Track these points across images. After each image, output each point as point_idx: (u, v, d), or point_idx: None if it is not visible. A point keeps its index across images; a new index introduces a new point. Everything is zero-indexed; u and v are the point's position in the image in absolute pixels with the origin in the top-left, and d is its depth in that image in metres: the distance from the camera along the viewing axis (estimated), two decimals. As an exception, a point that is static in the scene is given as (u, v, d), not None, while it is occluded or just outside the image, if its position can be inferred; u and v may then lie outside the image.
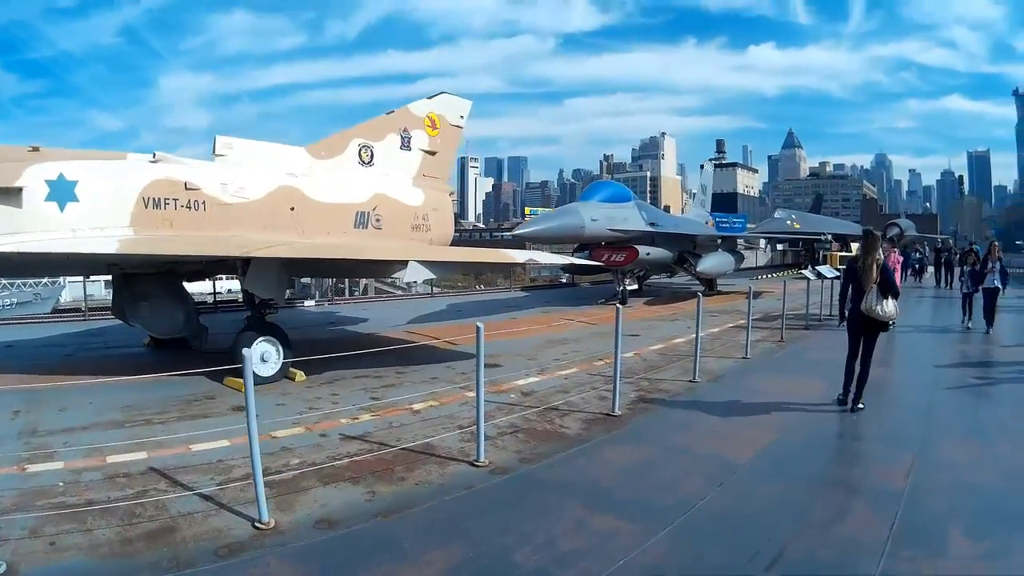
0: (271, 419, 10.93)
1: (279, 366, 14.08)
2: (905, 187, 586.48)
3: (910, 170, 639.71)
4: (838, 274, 25.84)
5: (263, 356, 13.86)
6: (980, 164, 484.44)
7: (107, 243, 12.87)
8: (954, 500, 8.44)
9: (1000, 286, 23.48)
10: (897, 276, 24.26)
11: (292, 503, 7.93)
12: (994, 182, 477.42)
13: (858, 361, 12.75)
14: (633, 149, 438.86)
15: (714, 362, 17.08)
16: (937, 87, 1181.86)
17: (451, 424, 10.99)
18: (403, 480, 8.75)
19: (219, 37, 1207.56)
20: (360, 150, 18.36)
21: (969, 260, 27.63)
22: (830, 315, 24.85)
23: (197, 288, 38.72)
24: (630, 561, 6.69)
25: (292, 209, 15.96)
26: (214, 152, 15.67)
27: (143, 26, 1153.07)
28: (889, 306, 12.19)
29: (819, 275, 27.20)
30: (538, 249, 28.77)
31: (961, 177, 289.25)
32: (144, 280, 15.73)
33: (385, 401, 12.50)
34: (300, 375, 14.29)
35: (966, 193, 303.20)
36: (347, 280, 55.92)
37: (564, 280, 43.23)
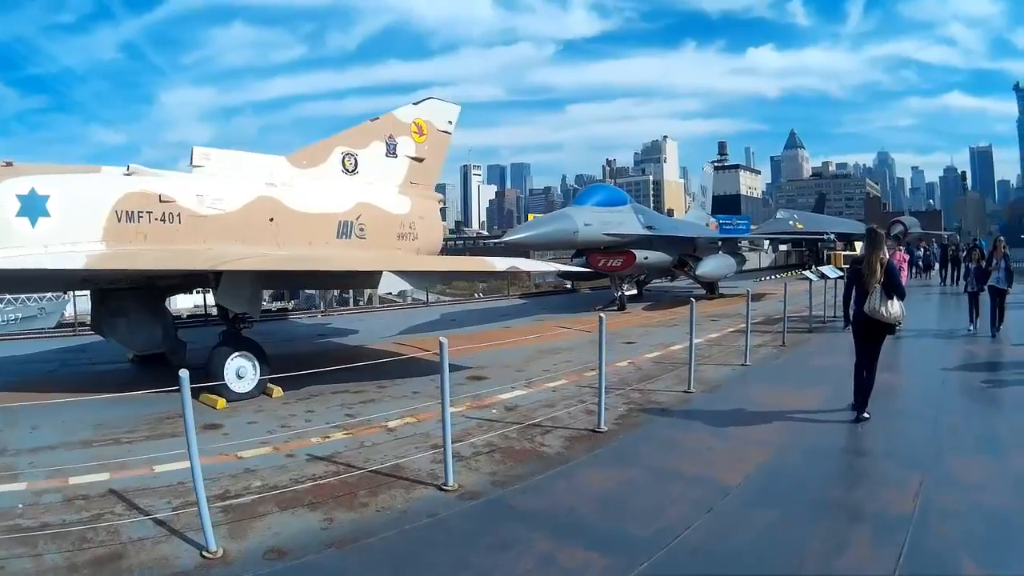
0: (240, 438, 10.77)
1: (255, 382, 13.74)
2: (908, 185, 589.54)
3: (913, 168, 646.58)
4: (841, 274, 25.24)
5: (238, 372, 13.60)
6: (982, 160, 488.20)
7: (75, 258, 12.54)
8: (967, 525, 7.75)
9: (1006, 286, 21.83)
10: (904, 275, 23.40)
11: (246, 530, 7.57)
12: (997, 177, 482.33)
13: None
14: (635, 153, 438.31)
15: (712, 370, 16.38)
16: (937, 84, 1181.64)
17: (425, 443, 10.42)
18: (365, 506, 8.28)
19: (219, 51, 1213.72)
20: (343, 158, 17.84)
21: (973, 257, 24.91)
22: (834, 316, 24.34)
23: (190, 301, 38.66)
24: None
25: (271, 220, 15.55)
26: (192, 163, 15.30)
27: (144, 41, 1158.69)
28: (895, 307, 11.54)
29: (821, 275, 26.28)
30: (526, 256, 28.26)
31: (964, 173, 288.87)
32: (121, 295, 15.35)
33: (360, 419, 12.02)
34: (277, 391, 13.86)
35: (969, 189, 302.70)
36: (351, 291, 55.60)
37: (568, 286, 42.02)
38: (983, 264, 23.31)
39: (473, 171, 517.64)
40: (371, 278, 14.14)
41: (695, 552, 7.15)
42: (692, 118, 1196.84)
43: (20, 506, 8.22)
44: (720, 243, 37.24)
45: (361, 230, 17.23)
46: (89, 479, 9.05)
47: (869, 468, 10.01)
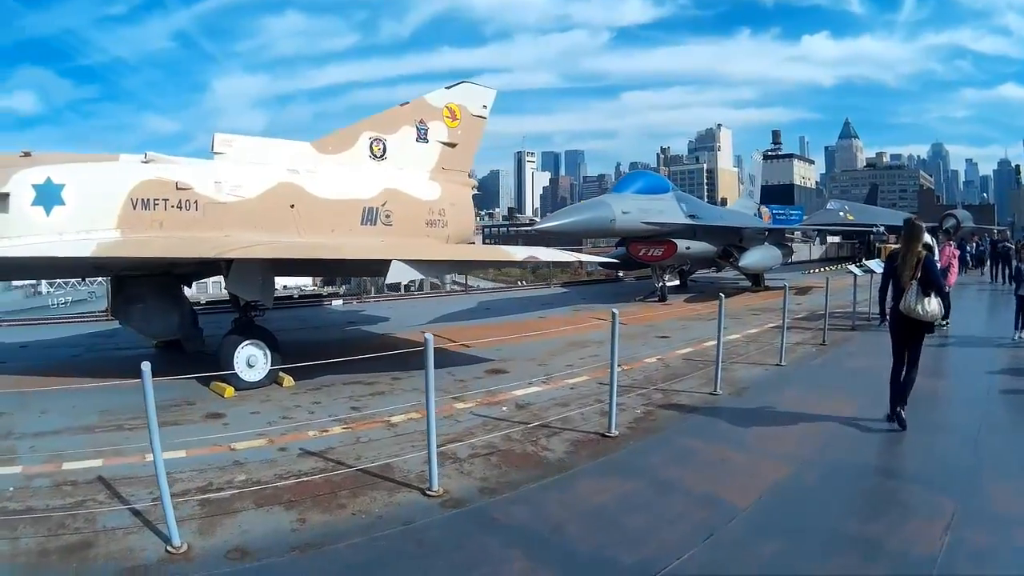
0: (238, 429, 10.69)
1: (266, 371, 13.57)
2: (962, 177, 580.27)
3: (967, 160, 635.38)
4: (888, 269, 24.57)
5: (249, 360, 13.46)
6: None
7: (85, 246, 12.44)
8: (1002, 570, 6.85)
9: None
10: (954, 272, 22.57)
11: (215, 526, 7.44)
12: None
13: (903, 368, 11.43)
14: (689, 141, 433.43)
15: (743, 370, 15.60)
16: (993, 75, 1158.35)
17: (423, 442, 9.56)
18: (342, 508, 7.95)
19: (273, 39, 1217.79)
20: (371, 144, 17.41)
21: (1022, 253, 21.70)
22: (879, 314, 23.10)
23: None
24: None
25: (292, 207, 15.24)
26: (212, 150, 15.12)
27: (196, 30, 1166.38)
28: (932, 305, 10.71)
29: (867, 270, 25.10)
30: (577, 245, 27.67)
31: (1018, 167, 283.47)
32: (138, 282, 15.15)
33: (364, 412, 11.65)
34: (288, 380, 13.66)
35: (1023, 183, 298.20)
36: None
37: (617, 275, 40.31)
38: None
39: (527, 158, 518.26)
40: (381, 266, 13.60)
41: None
42: (746, 107, 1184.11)
43: (11, 489, 8.29)
44: (767, 234, 36.21)
45: (387, 217, 16.81)
46: (83, 465, 9.08)
47: (896, 492, 8.95)
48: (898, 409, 11.25)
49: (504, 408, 12.12)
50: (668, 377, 14.77)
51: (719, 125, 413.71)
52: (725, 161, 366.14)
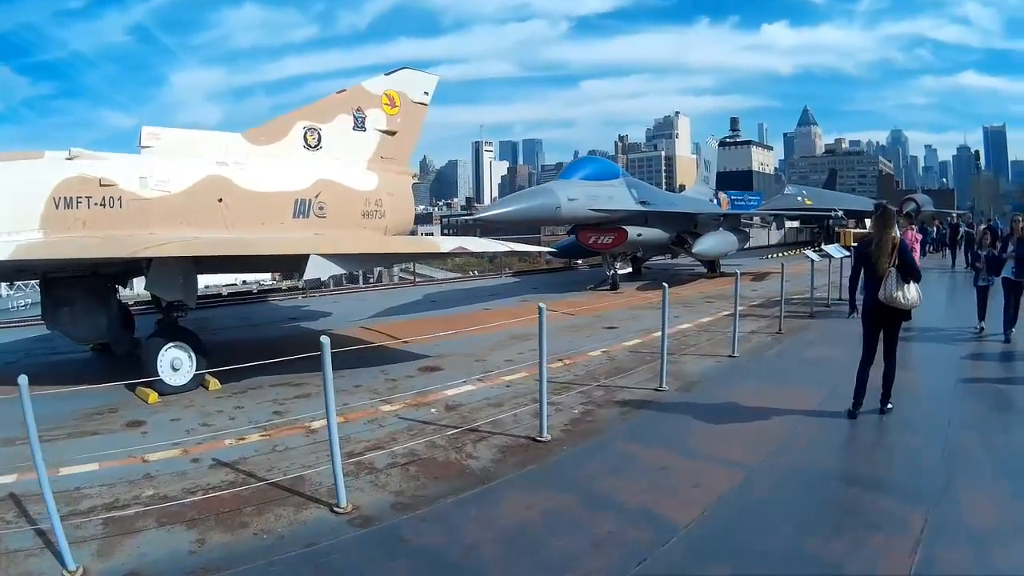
0: (155, 439, 10.18)
1: (192, 374, 13.01)
2: (921, 163, 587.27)
3: (926, 146, 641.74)
4: (847, 253, 23.89)
5: (173, 364, 12.90)
6: (996, 139, 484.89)
7: (2, 248, 11.94)
8: None
9: (1018, 276, 17.44)
10: (916, 255, 21.77)
11: (115, 548, 6.95)
12: (1011, 157, 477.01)
13: (881, 357, 10.87)
14: (647, 129, 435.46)
15: (693, 362, 14.94)
16: (952, 63, 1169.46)
17: (341, 451, 8.86)
18: (244, 527, 7.37)
19: (230, 32, 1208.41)
20: (305, 133, 16.75)
21: (985, 241, 19.94)
22: (839, 299, 22.61)
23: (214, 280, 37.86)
24: None
25: (220, 200, 14.68)
26: (140, 144, 14.53)
27: (153, 24, 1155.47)
28: (911, 292, 10.37)
29: (825, 255, 24.67)
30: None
31: (977, 152, 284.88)
32: (67, 284, 14.45)
33: (286, 417, 11.08)
34: (214, 383, 13.18)
35: (982, 168, 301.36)
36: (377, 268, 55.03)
37: (567, 264, 39.96)
38: (995, 250, 18.94)
39: (485, 147, 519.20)
40: (300, 261, 13.03)
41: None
42: (705, 94, 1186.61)
43: None
44: (721, 219, 35.73)
45: (321, 209, 16.22)
46: (-4, 481, 8.54)
47: (858, 503, 7.98)
48: (887, 406, 10.95)
49: (433, 410, 11.50)
50: (612, 372, 14.11)
51: (677, 113, 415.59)
52: (683, 148, 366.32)
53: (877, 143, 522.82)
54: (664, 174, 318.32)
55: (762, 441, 10.04)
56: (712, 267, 34.15)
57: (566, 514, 7.71)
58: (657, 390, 12.67)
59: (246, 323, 21.22)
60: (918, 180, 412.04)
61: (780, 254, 49.53)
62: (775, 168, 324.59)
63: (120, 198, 13.43)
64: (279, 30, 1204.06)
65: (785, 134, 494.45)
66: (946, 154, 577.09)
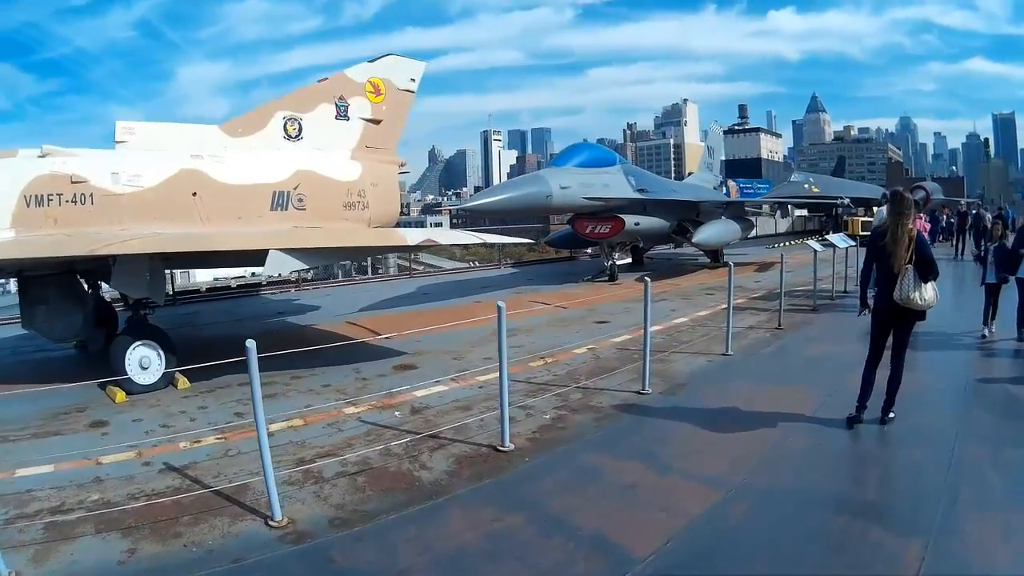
0: (114, 441, 9.96)
1: (160, 373, 12.72)
2: (930, 150, 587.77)
3: (935, 133, 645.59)
4: (853, 243, 23.23)
5: (141, 363, 12.63)
6: (1005, 127, 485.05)
7: None
8: None
9: None
10: None
11: (50, 554, 6.77)
12: (1020, 144, 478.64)
13: (887, 360, 9.93)
14: (656, 117, 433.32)
15: (684, 361, 14.11)
16: (960, 49, 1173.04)
17: (292, 456, 9.00)
18: (177, 537, 7.06)
19: (235, 25, 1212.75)
20: (285, 123, 16.31)
21: (996, 233, 17.07)
22: (844, 291, 21.96)
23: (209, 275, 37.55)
24: None
25: (194, 195, 14.34)
26: (115, 140, 14.22)
27: (158, 18, 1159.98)
28: (928, 292, 9.38)
29: (828, 244, 23.59)
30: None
31: (987, 140, 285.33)
32: (43, 283, 14.27)
33: (247, 419, 10.47)
34: (184, 382, 12.92)
35: (992, 156, 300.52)
36: (370, 259, 54.51)
37: (568, 254, 39.61)
38: (1007, 243, 16.37)
39: (494, 136, 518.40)
40: (260, 256, 12.66)
41: None
42: (712, 81, 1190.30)
43: None
44: (724, 208, 34.93)
45: (300, 200, 15.79)
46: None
47: (848, 532, 6.99)
48: (889, 415, 9.99)
49: (397, 413, 10.94)
50: (595, 371, 13.31)
51: (685, 100, 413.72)
52: (692, 136, 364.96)
53: (886, 130, 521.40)
54: (673, 162, 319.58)
55: (746, 454, 9.16)
56: (715, 257, 33.32)
57: (512, 539, 7.02)
58: (639, 393, 11.84)
59: (232, 318, 20.90)
60: (927, 168, 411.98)
61: (787, 243, 48.79)
62: (784, 156, 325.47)
63: (92, 195, 13.17)
64: (283, 22, 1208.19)
65: (794, 121, 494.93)
66: (955, 141, 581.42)
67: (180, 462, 9.01)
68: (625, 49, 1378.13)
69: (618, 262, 29.17)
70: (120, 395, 12.10)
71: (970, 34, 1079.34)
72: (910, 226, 9.55)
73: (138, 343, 12.69)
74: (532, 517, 7.48)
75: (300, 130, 16.50)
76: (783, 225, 66.82)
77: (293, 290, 27.54)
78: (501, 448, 9.25)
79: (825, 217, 63.11)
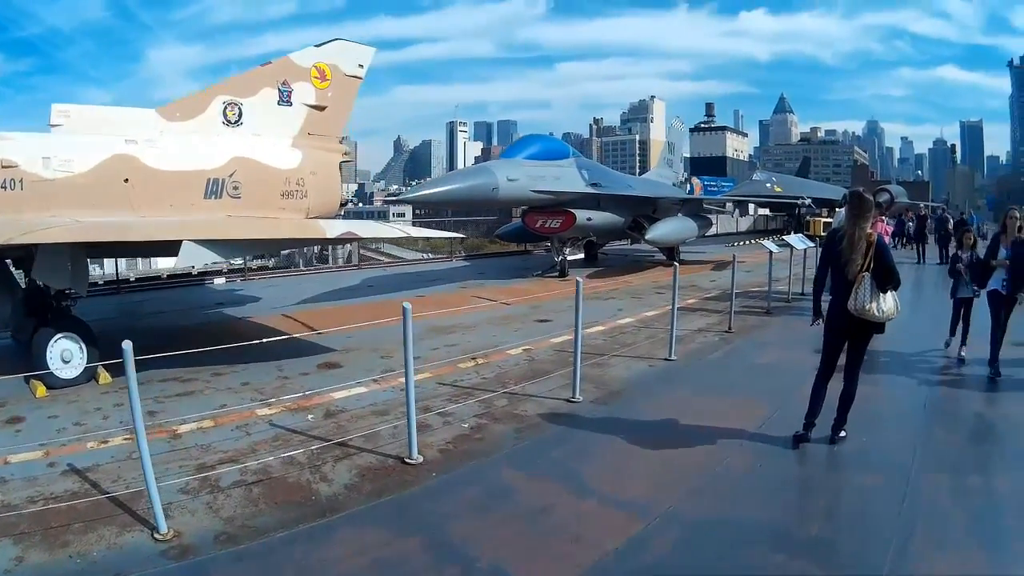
0: (26, 439, 9.51)
1: (82, 367, 12.31)
2: (897, 155, 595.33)
3: (902, 138, 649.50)
4: (812, 244, 22.90)
5: (63, 356, 12.19)
6: (972, 134, 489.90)
7: None
8: None
9: (1012, 290, 13.11)
10: None
11: None
12: (986, 152, 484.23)
13: (842, 374, 9.14)
14: (623, 113, 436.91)
15: (622, 366, 13.35)
16: (931, 57, 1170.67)
17: (194, 461, 8.54)
18: (65, 546, 6.64)
19: (208, 7, 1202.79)
20: (225, 108, 15.81)
21: (966, 242, 15.24)
22: (801, 293, 21.42)
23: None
24: None
25: (126, 181, 13.84)
26: (50, 123, 13.72)
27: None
28: (888, 302, 8.59)
29: (784, 245, 23.37)
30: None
31: (953, 146, 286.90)
32: None
33: (158, 419, 10.11)
34: (105, 376, 12.37)
35: (958, 162, 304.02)
36: (329, 248, 53.92)
37: (523, 247, 38.68)
38: (975, 252, 14.74)
39: (459, 127, 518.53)
40: (174, 247, 12.09)
41: None
42: (682, 79, 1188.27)
43: None
44: (681, 204, 34.66)
45: (235, 188, 15.30)
46: None
47: (783, 574, 6.20)
48: (840, 434, 9.25)
49: (311, 416, 10.36)
50: (527, 375, 12.63)
51: (652, 97, 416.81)
52: (658, 133, 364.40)
53: (853, 133, 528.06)
54: (639, 158, 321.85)
55: (678, 476, 8.40)
56: (671, 255, 32.68)
57: (400, 567, 6.44)
58: (569, 401, 11.13)
59: (170, 309, 20.31)
60: (893, 171, 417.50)
61: (747, 241, 49.05)
62: (750, 155, 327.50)
63: (22, 180, 12.68)
64: (257, 6, 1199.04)
65: (761, 121, 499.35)
66: (922, 147, 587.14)
67: (85, 463, 8.59)
68: (596, 44, 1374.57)
69: (569, 258, 28.87)
70: (41, 389, 11.68)
71: (942, 42, 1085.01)
72: (869, 230, 8.84)
73: (60, 335, 12.26)
74: (427, 543, 6.89)
75: (240, 115, 16.03)
76: (745, 224, 66.90)
77: (239, 280, 27.01)
78: (409, 461, 8.64)
79: (788, 217, 62.89)
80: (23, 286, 14.58)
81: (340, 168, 18.14)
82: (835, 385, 9.23)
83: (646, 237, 29.20)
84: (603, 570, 6.31)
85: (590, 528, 7.12)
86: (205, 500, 7.57)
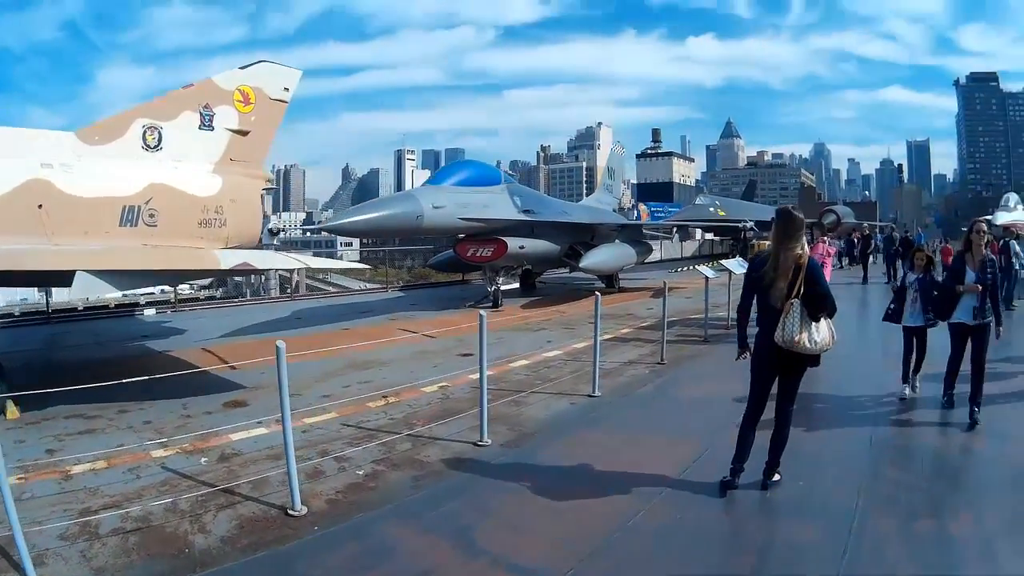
0: None
1: None
2: (844, 176, 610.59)
3: (849, 159, 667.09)
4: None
5: None
6: (920, 153, 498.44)
7: None
8: None
9: (991, 319, 11.31)
10: (827, 272, 16.55)
11: None
12: (934, 170, 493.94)
13: (774, 412, 8.30)
14: (569, 140, 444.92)
15: (540, 404, 12.52)
16: (878, 78, 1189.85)
17: (79, 504, 8.07)
18: None
19: (158, 30, 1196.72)
20: (145, 132, 15.41)
21: (917, 263, 12.80)
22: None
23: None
24: None
25: (40, 207, 13.41)
26: None
27: (84, 19, 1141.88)
28: (822, 332, 7.73)
29: (721, 269, 22.77)
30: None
31: (900, 165, 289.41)
32: None
33: (55, 457, 9.75)
34: (14, 411, 11.79)
35: (905, 181, 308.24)
36: (275, 275, 53.47)
37: (460, 277, 37.47)
38: (932, 273, 12.77)
39: (407, 155, 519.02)
40: (67, 277, 11.57)
41: None
42: (629, 105, 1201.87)
43: None
44: (620, 230, 34.16)
45: (151, 216, 14.94)
46: None
47: None
48: (772, 478, 8.44)
49: (204, 459, 9.77)
50: (438, 415, 11.85)
51: (599, 123, 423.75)
52: (605, 159, 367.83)
53: (800, 156, 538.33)
54: (585, 184, 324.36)
55: (585, 533, 7.48)
56: (610, 282, 32.84)
57: None
58: (476, 445, 10.36)
59: (96, 340, 19.81)
60: (841, 193, 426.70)
61: (692, 267, 48.57)
62: (697, 180, 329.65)
63: None
64: (208, 29, 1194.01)
65: (708, 146, 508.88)
66: (869, 168, 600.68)
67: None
68: (544, 71, 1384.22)
69: (505, 287, 28.36)
70: None
71: (889, 64, 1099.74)
72: (799, 251, 7.84)
73: (-34, 365, 11.65)
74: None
75: (160, 140, 15.72)
76: (690, 248, 66.99)
77: (169, 311, 26.46)
78: (292, 512, 8.00)
79: (734, 241, 62.86)
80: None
81: (261, 197, 17.79)
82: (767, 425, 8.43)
83: (581, 265, 28.54)
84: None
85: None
86: (80, 548, 7.09)
